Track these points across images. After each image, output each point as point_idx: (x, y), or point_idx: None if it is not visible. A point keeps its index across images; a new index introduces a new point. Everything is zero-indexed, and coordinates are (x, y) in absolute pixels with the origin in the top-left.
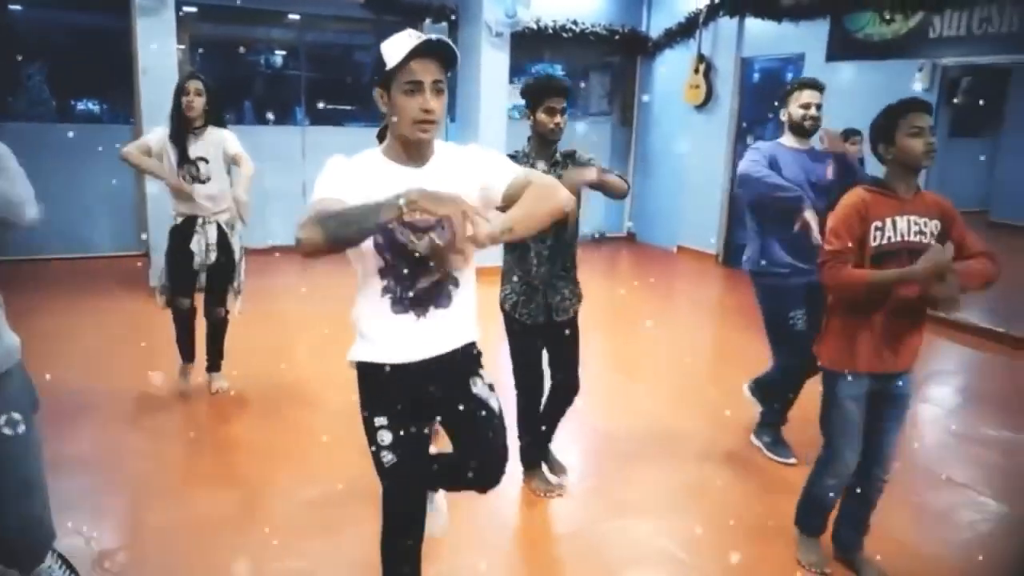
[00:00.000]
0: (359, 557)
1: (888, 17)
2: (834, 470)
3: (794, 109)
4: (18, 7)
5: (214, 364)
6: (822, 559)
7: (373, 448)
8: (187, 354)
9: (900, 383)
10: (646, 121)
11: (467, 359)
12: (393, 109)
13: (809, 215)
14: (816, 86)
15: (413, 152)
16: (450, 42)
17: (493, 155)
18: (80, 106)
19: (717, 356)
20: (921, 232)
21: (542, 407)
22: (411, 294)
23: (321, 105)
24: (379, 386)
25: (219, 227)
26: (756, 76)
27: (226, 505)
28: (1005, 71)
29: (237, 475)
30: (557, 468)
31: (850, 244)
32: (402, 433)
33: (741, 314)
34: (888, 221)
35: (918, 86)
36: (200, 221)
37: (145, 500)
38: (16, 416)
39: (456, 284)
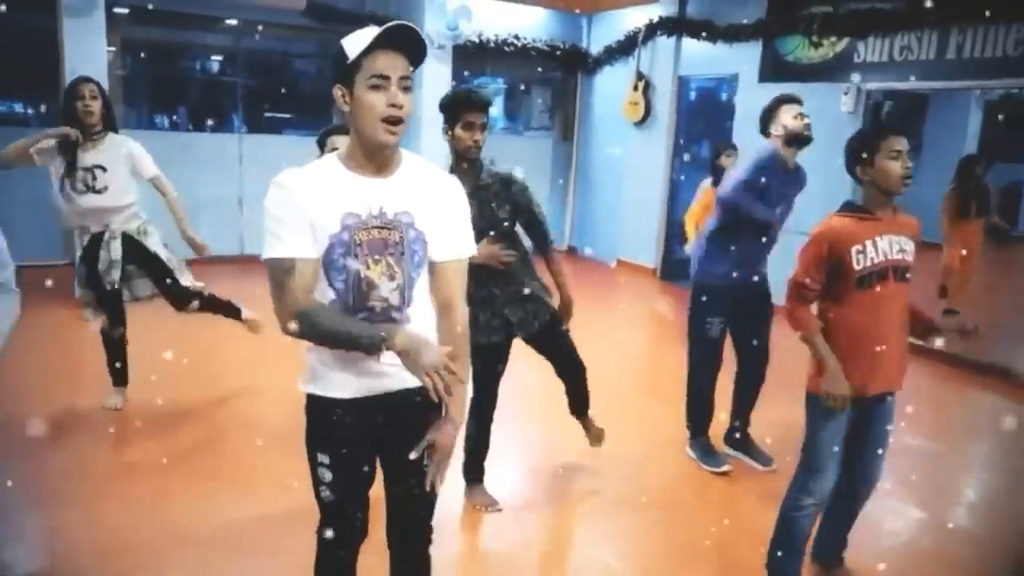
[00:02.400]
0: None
1: (815, 41)
2: (814, 488)
3: (789, 120)
4: None
5: (233, 315)
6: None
7: (313, 481)
8: (119, 378)
9: (885, 403)
10: (586, 136)
11: (418, 408)
12: (356, 107)
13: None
14: (796, 100)
15: (378, 159)
16: (418, 29)
17: (464, 212)
18: (2, 107)
19: (653, 369)
20: (902, 250)
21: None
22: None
23: (261, 113)
24: (326, 422)
25: (127, 238)
26: (692, 95)
27: (158, 528)
28: (924, 97)
29: (169, 496)
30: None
31: (816, 283)
32: (344, 472)
33: (678, 327)
34: (868, 243)
35: (844, 109)
36: (106, 236)
37: (72, 525)
38: None
39: (402, 315)
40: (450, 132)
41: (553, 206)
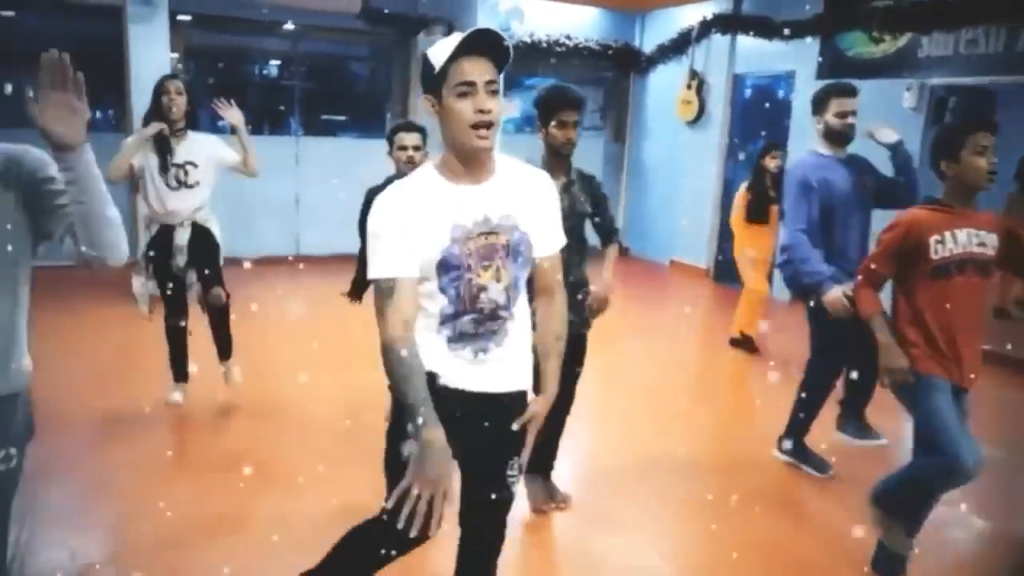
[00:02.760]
0: None
1: (876, 36)
2: (953, 478)
3: (831, 116)
4: (10, 13)
5: (225, 351)
6: (907, 544)
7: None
8: (180, 374)
9: (959, 397)
10: (639, 136)
11: (519, 411)
12: (445, 116)
13: (833, 295)
14: (850, 92)
15: (472, 165)
16: (502, 33)
17: (555, 207)
18: None
19: (705, 372)
20: (982, 244)
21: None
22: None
23: (317, 115)
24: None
25: (194, 225)
26: (748, 92)
27: (214, 520)
28: (990, 92)
29: (225, 490)
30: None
31: (883, 269)
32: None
33: (729, 330)
34: (947, 234)
35: (907, 105)
36: (179, 229)
37: (129, 514)
38: (12, 451)
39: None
40: (544, 130)
41: None
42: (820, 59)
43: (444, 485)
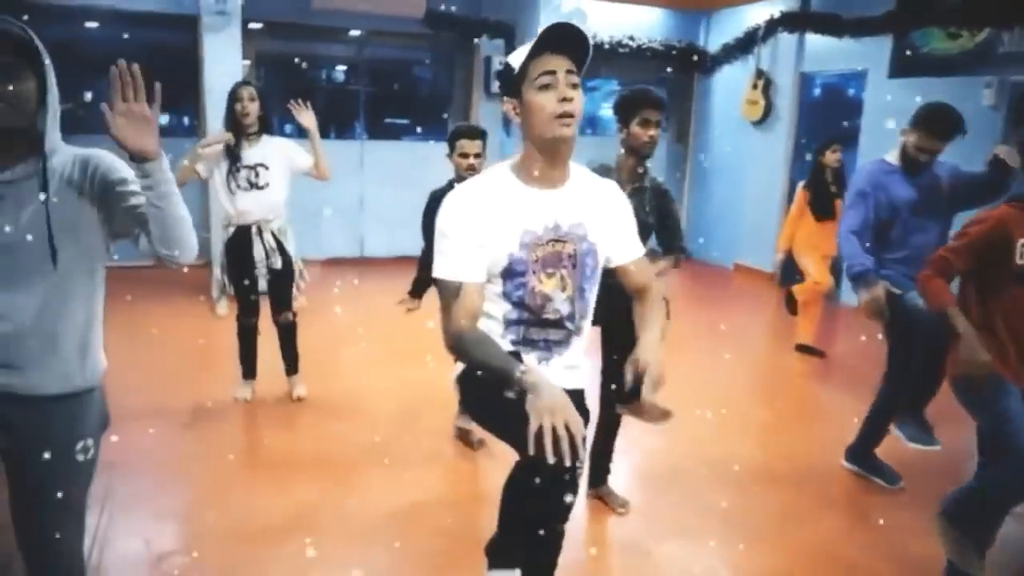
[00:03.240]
0: (413, 569)
1: (953, 32)
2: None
3: (910, 143)
4: (94, 24)
5: (292, 367)
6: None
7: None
8: (249, 371)
9: None
10: (702, 137)
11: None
12: (528, 112)
13: (874, 291)
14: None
15: (552, 163)
16: (582, 29)
17: (630, 214)
18: None
19: (768, 379)
20: None
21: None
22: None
23: (382, 119)
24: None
25: (272, 234)
26: (817, 92)
27: (281, 514)
28: None
29: (292, 485)
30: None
31: (960, 263)
32: None
33: (795, 336)
34: None
35: (986, 103)
36: (255, 229)
37: (200, 506)
38: (89, 443)
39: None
40: (625, 130)
41: None
42: (892, 57)
43: (569, 409)
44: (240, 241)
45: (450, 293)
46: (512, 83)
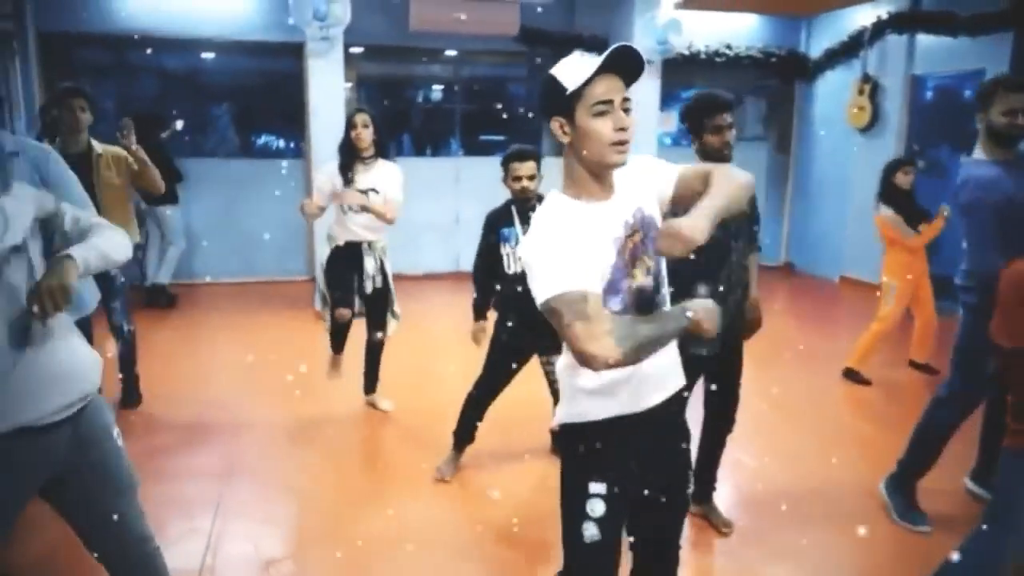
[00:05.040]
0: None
1: None
2: (1013, 545)
3: (996, 115)
4: (211, 55)
5: (372, 386)
6: None
7: (574, 520)
8: (338, 347)
9: None
10: (805, 145)
11: (680, 413)
12: (581, 136)
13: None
14: (1020, 87)
15: (602, 182)
16: (638, 49)
17: (652, 160)
18: (259, 142)
19: (880, 396)
20: None
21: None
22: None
23: (476, 136)
24: (605, 444)
25: (378, 255)
26: (929, 95)
27: (382, 522)
28: None
29: (392, 494)
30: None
31: None
32: (615, 506)
33: (908, 351)
34: None
35: None
36: (365, 247)
37: (306, 513)
38: (116, 429)
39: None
40: (698, 141)
41: (768, 220)
42: (1013, 55)
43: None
44: (346, 254)
45: (580, 302)
46: (562, 102)
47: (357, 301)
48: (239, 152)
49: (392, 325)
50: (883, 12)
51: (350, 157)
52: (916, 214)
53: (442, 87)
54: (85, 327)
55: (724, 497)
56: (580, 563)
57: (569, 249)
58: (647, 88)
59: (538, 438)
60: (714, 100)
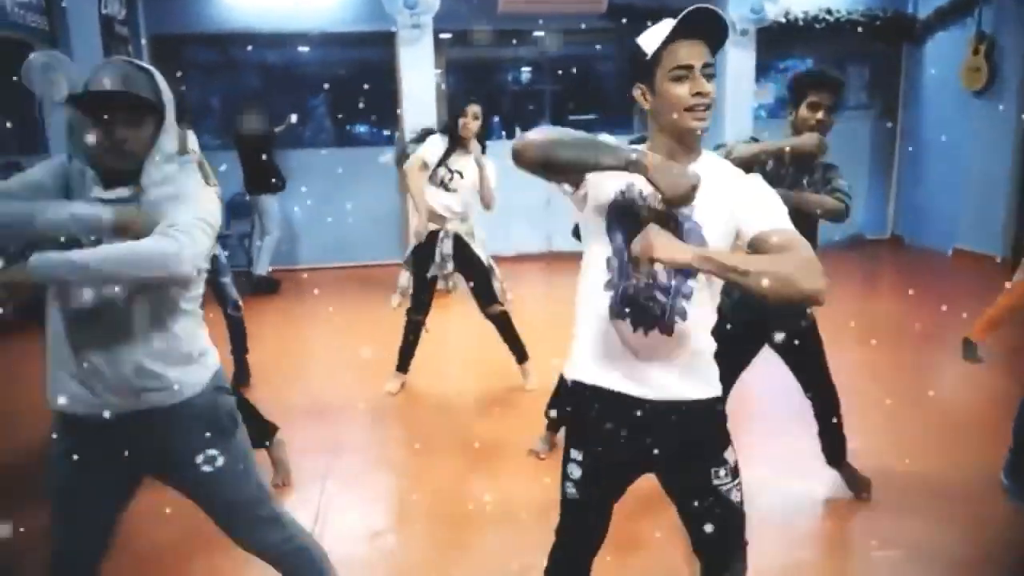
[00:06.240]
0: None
1: None
2: None
3: None
4: (306, 48)
5: (519, 356)
6: None
7: (561, 478)
8: (403, 366)
9: None
10: (913, 112)
11: (708, 427)
12: (659, 102)
13: None
14: None
15: (680, 147)
16: (718, 11)
17: (769, 194)
18: (354, 131)
19: (1002, 380)
20: None
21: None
22: (631, 293)
23: (566, 115)
24: (581, 413)
25: (457, 237)
26: None
27: (485, 498)
28: None
29: (493, 474)
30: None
31: None
32: (597, 477)
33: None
34: None
35: None
36: (441, 234)
37: (409, 488)
38: (212, 453)
39: (687, 299)
40: (793, 112)
41: (874, 191)
42: None
43: (690, 178)
44: (427, 248)
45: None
46: (643, 68)
47: (453, 280)
48: (335, 142)
49: (506, 294)
50: None
51: (453, 143)
52: None
53: (530, 69)
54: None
55: (828, 478)
56: (563, 508)
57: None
58: (741, 59)
59: None
60: (820, 75)
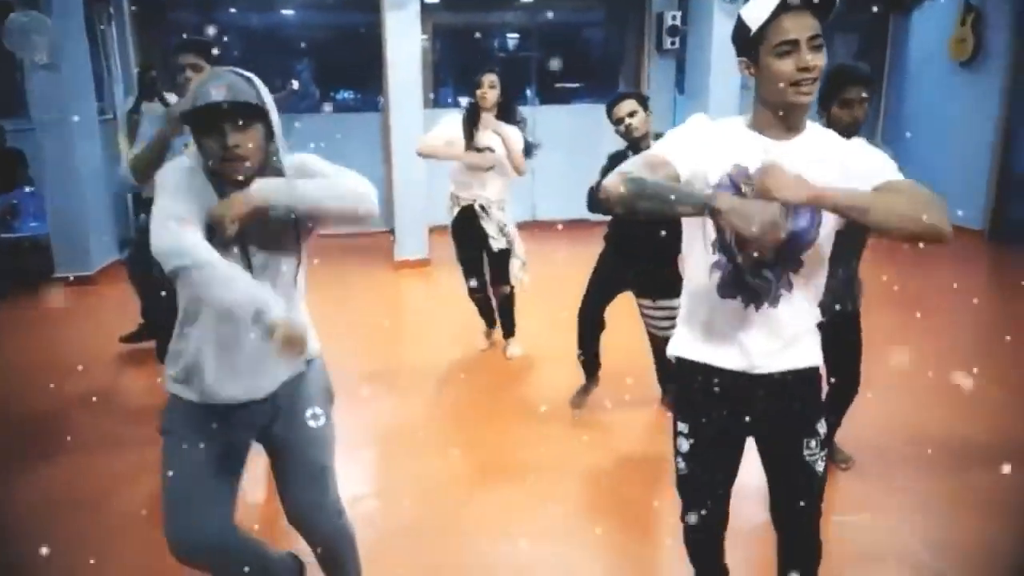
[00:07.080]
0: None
1: None
2: None
3: None
4: (290, 12)
5: (508, 331)
6: None
7: (673, 452)
8: (489, 321)
9: None
10: (898, 83)
11: (806, 396)
12: (763, 76)
13: None
14: None
15: (782, 121)
16: None
17: (876, 153)
18: (338, 97)
19: (986, 346)
20: None
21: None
22: (738, 271)
23: (552, 84)
24: (687, 388)
25: (484, 210)
26: None
27: (527, 455)
28: None
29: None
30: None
31: None
32: (705, 448)
33: (1016, 299)
34: None
35: None
36: (477, 207)
37: (448, 444)
38: (319, 411)
39: (796, 270)
40: (825, 113)
41: None
42: None
43: (770, 217)
44: (463, 220)
45: (638, 160)
46: (747, 43)
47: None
48: (320, 107)
49: (522, 274)
50: None
51: (473, 116)
52: None
53: (518, 35)
54: None
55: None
56: (679, 490)
57: (693, 145)
58: (728, 30)
59: (647, 392)
60: (850, 72)
